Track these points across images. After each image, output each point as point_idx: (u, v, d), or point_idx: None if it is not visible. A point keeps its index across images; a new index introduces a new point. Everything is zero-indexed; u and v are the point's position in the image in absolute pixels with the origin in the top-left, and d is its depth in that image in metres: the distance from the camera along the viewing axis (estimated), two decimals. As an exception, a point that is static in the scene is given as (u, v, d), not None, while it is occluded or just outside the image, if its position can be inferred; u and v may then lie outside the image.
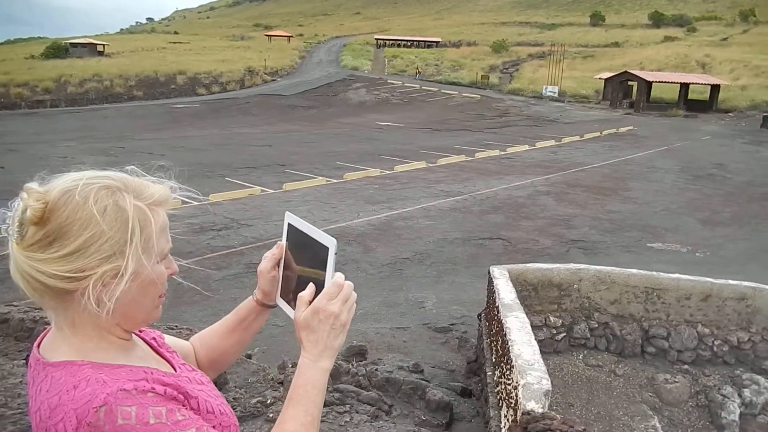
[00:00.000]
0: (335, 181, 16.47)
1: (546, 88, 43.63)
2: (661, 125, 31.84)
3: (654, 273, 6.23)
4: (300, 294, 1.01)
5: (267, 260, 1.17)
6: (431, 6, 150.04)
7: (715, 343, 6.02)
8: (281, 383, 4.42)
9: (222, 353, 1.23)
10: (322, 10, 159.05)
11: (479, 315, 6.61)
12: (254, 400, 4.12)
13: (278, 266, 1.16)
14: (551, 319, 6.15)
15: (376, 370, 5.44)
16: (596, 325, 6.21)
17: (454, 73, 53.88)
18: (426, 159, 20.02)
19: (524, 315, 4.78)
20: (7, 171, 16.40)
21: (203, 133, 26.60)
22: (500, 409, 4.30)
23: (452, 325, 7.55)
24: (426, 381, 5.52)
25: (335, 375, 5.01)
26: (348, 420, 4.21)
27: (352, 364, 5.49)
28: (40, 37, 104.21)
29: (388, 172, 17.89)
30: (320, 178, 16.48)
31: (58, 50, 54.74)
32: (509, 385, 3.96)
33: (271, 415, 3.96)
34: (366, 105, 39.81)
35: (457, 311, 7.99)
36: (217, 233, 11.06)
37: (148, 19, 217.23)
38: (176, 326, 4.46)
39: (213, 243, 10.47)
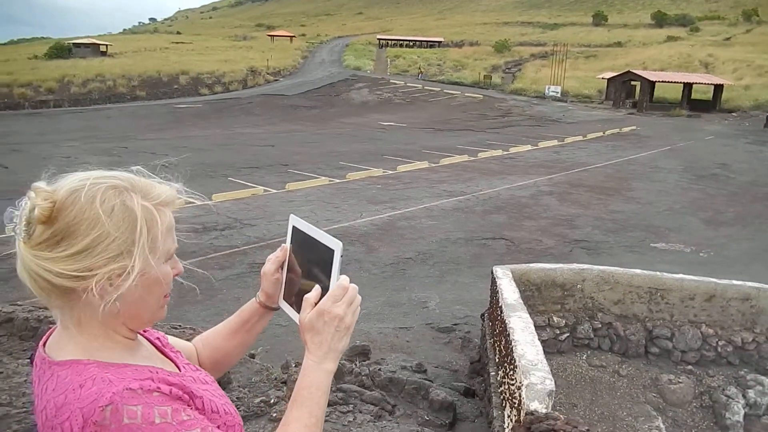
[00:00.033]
0: (338, 181, 16.48)
1: (549, 88, 43.58)
2: (664, 125, 31.77)
3: (657, 273, 6.22)
4: (306, 296, 1.01)
5: (270, 262, 1.17)
6: (434, 6, 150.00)
7: (719, 343, 6.00)
8: (284, 383, 4.42)
9: (225, 355, 1.23)
10: (325, 10, 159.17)
11: (482, 315, 6.61)
12: (257, 400, 4.12)
13: (282, 269, 1.17)
14: (554, 319, 6.14)
15: (380, 369, 5.44)
16: (600, 326, 6.20)
17: (456, 73, 53.86)
18: (429, 159, 20.02)
19: (527, 315, 4.77)
20: (10, 171, 16.46)
21: (206, 133, 26.64)
22: (503, 410, 4.30)
23: (455, 325, 7.55)
24: (429, 381, 5.52)
25: (338, 375, 5.01)
26: (351, 420, 4.21)
27: (356, 364, 5.48)
28: (43, 38, 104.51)
29: (390, 172, 17.89)
30: (323, 178, 16.48)
31: (62, 50, 54.85)
32: (513, 385, 3.95)
33: (274, 414, 3.96)
34: (368, 105, 39.82)
35: (460, 311, 7.98)
36: (220, 233, 11.07)
37: (150, 19, 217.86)
38: (179, 325, 4.46)
39: (216, 243, 10.49)
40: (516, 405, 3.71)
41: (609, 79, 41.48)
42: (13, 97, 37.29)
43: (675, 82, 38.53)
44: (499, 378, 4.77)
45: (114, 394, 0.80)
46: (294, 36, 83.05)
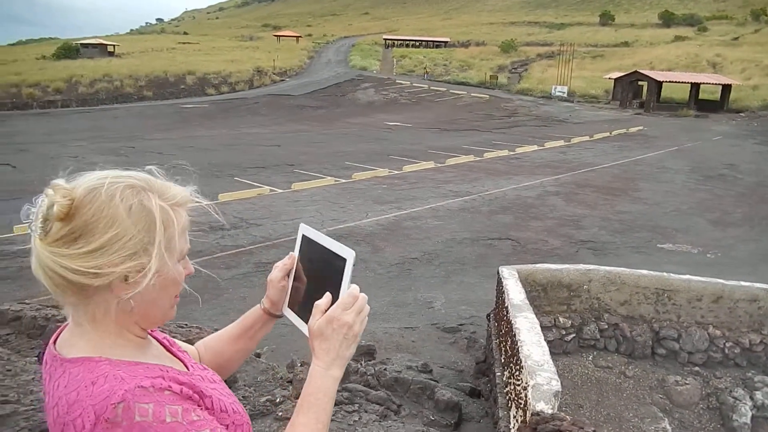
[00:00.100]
0: (344, 181, 16.50)
1: (555, 88, 43.43)
2: (671, 125, 31.61)
3: (664, 274, 6.19)
4: (316, 303, 1.03)
5: (278, 270, 1.19)
6: (440, 6, 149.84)
7: (727, 345, 5.98)
8: (290, 382, 4.43)
9: (227, 359, 1.25)
10: (331, 11, 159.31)
11: (488, 315, 6.60)
12: (263, 399, 4.13)
13: (288, 276, 1.18)
14: (561, 319, 6.13)
15: (385, 369, 5.44)
16: (606, 326, 6.18)
17: (462, 73, 53.76)
18: (434, 159, 20.00)
19: (533, 315, 4.76)
20: (18, 170, 16.57)
21: (212, 133, 26.73)
22: (509, 410, 4.29)
23: (461, 325, 7.54)
24: (435, 381, 5.52)
25: (344, 375, 5.02)
26: (357, 419, 4.21)
27: (361, 364, 5.49)
28: (51, 38, 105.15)
29: (396, 172, 17.89)
30: (329, 178, 16.51)
31: (69, 51, 55.16)
32: (518, 385, 3.95)
33: (280, 413, 3.97)
34: (374, 105, 39.83)
35: (466, 311, 7.98)
36: (226, 233, 11.10)
37: (157, 19, 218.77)
38: (186, 324, 4.47)
39: (222, 242, 10.52)
40: (522, 405, 3.71)
41: (616, 79, 41.29)
42: (22, 97, 37.54)
43: (682, 82, 38.32)
44: (504, 378, 4.76)
45: (126, 392, 0.81)
46: (300, 36, 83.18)
